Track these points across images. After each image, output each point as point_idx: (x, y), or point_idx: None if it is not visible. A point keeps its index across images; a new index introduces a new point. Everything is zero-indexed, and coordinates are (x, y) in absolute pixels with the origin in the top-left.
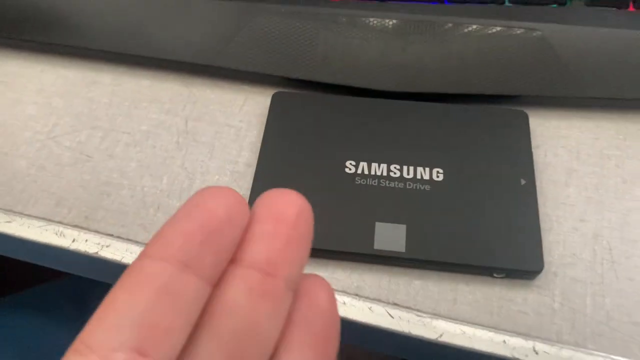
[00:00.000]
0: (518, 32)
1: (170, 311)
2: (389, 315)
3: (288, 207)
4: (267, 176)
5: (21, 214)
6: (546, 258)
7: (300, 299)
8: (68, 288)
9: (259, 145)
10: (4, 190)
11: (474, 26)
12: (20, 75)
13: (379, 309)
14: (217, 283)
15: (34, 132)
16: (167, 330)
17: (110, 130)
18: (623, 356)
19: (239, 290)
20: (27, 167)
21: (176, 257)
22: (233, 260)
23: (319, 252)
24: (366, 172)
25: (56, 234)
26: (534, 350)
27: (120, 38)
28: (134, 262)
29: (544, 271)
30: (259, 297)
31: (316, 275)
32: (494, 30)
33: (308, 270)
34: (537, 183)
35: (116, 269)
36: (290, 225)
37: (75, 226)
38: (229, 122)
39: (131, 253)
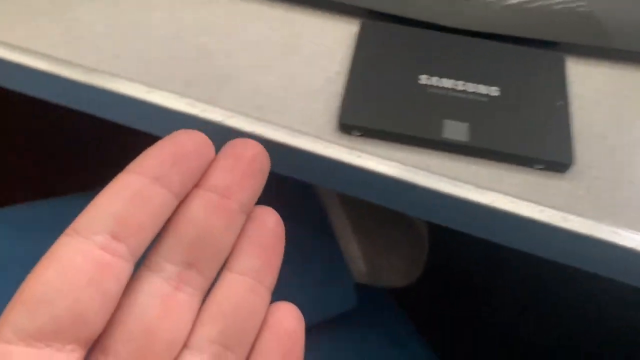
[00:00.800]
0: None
1: (142, 211)
2: (451, 185)
3: (247, 149)
4: (360, 75)
5: (159, 87)
6: (576, 159)
7: (252, 221)
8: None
9: (347, 59)
10: (141, 70)
11: None
12: None
13: (444, 180)
14: (183, 200)
15: (163, 30)
16: (138, 225)
17: (226, 37)
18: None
19: (198, 205)
20: (156, 58)
21: (150, 172)
22: (198, 185)
23: (398, 137)
24: (437, 84)
25: (188, 105)
26: (565, 219)
27: None
28: (117, 176)
29: (574, 168)
30: (214, 212)
31: (266, 206)
32: None
33: (390, 152)
34: (571, 108)
35: (239, 135)
36: (246, 163)
37: (204, 101)
38: (322, 43)
39: (251, 124)
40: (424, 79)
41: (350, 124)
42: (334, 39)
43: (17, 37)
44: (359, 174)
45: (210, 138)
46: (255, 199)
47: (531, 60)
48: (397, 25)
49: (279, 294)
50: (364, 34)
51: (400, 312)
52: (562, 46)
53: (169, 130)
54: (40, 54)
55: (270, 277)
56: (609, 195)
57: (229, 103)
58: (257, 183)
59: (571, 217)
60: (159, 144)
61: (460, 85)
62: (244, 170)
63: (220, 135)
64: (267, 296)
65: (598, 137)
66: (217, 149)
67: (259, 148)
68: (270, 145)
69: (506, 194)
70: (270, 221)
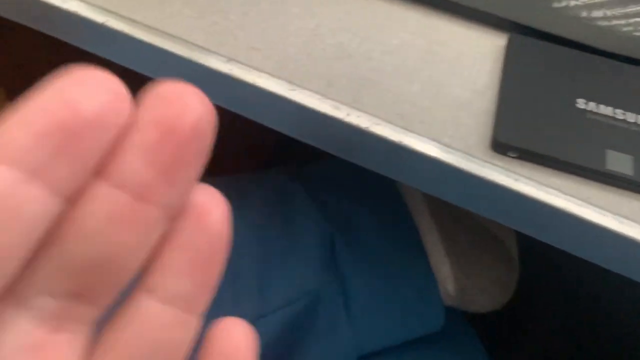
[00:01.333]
0: None
1: (6, 228)
2: (617, 222)
3: (185, 112)
4: (513, 89)
5: (300, 86)
6: None
7: (187, 218)
8: (233, 185)
9: (495, 73)
10: (281, 67)
11: None
12: None
13: (608, 215)
14: (76, 198)
15: (299, 27)
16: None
17: (369, 40)
18: None
19: (99, 214)
20: (295, 54)
21: (22, 162)
22: (101, 172)
23: (557, 163)
24: (595, 110)
25: (332, 107)
26: None
27: None
28: None
29: None
30: (121, 223)
31: (209, 189)
32: None
33: (547, 178)
34: None
35: (385, 147)
36: (182, 139)
37: (347, 104)
38: (467, 52)
39: (395, 132)
40: (581, 104)
41: (507, 143)
42: (479, 50)
43: (153, 18)
44: (515, 198)
45: (350, 145)
46: (191, 191)
47: None
48: (547, 43)
49: (370, 308)
50: (512, 48)
51: (478, 341)
52: None
53: (308, 133)
54: (177, 37)
55: (204, 299)
56: None
57: (370, 109)
58: (194, 170)
59: None
60: (40, 102)
61: (619, 114)
62: (178, 152)
63: (362, 143)
64: (196, 325)
65: None
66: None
67: (202, 105)
68: (415, 157)
69: None
70: (212, 219)
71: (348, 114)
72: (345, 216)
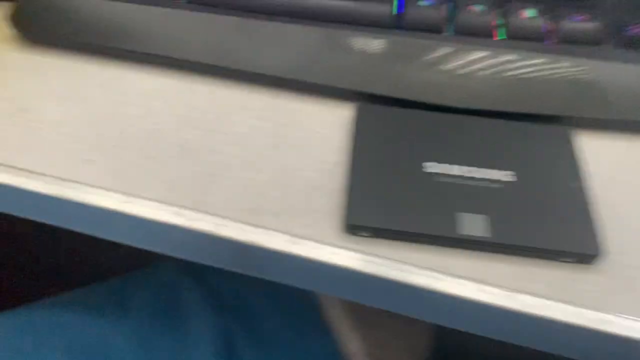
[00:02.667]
0: (564, 64)
1: None
2: (477, 290)
3: None
4: (363, 166)
5: (139, 195)
6: (604, 246)
7: None
8: (111, 289)
9: (344, 147)
10: (117, 176)
11: (523, 61)
12: (121, 79)
13: (468, 285)
14: None
15: (139, 128)
16: None
17: (211, 131)
18: None
19: None
20: (137, 158)
21: None
22: None
23: (410, 236)
24: (444, 171)
25: (173, 214)
26: (603, 321)
27: (215, 53)
28: None
29: (604, 257)
30: None
31: None
32: (540, 60)
33: (403, 253)
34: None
35: (233, 247)
36: None
37: (189, 208)
38: (316, 129)
39: (244, 232)
40: (429, 167)
41: (357, 224)
42: (329, 125)
43: None
44: (371, 280)
45: (200, 249)
46: None
47: (539, 138)
48: (395, 109)
49: None
50: (361, 118)
51: None
52: (567, 120)
53: (153, 243)
54: None
55: None
56: None
57: (218, 208)
58: None
59: (609, 317)
60: None
61: (469, 171)
62: None
63: (212, 245)
64: None
65: (623, 218)
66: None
67: None
68: (270, 254)
69: (535, 295)
70: None
71: (190, 219)
72: (243, 304)
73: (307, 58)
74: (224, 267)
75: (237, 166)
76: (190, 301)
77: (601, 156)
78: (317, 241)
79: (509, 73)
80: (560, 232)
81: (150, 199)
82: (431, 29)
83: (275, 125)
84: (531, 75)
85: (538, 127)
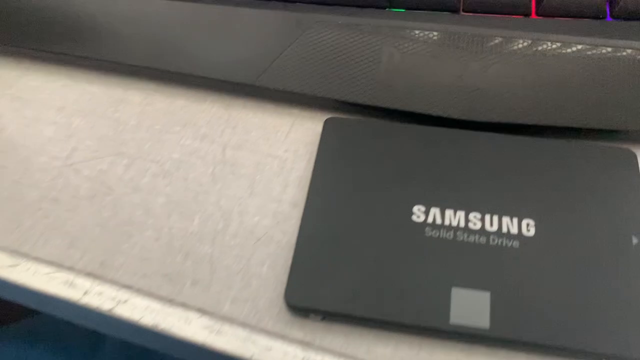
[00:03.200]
0: (623, 53)
1: None
2: None
3: None
4: (317, 221)
5: (28, 255)
6: None
7: None
8: (56, 322)
9: (307, 181)
10: (10, 227)
11: (572, 46)
12: (40, 91)
13: None
14: None
15: (50, 157)
16: None
17: (137, 157)
18: None
19: None
20: (39, 199)
21: None
22: None
23: (379, 323)
24: (438, 221)
25: (65, 284)
26: None
27: (153, 52)
28: None
29: None
30: None
31: None
32: (593, 52)
33: (366, 346)
34: None
35: (132, 328)
36: None
37: (89, 274)
38: (272, 152)
39: (151, 312)
40: (419, 214)
41: (303, 305)
42: (294, 145)
43: None
44: None
45: (98, 324)
46: None
47: (577, 163)
48: (376, 122)
49: None
50: (326, 138)
51: None
52: (624, 135)
53: (47, 308)
54: None
55: None
56: None
57: (126, 271)
58: None
59: None
60: None
61: (474, 220)
62: None
63: (110, 325)
64: None
65: None
66: None
67: None
68: (183, 345)
69: None
70: None
71: (86, 292)
72: None
73: (268, 54)
74: (136, 342)
75: (161, 210)
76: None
77: None
78: (247, 326)
79: (544, 66)
80: (604, 322)
81: (42, 261)
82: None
83: (222, 148)
84: (573, 70)
85: (585, 148)
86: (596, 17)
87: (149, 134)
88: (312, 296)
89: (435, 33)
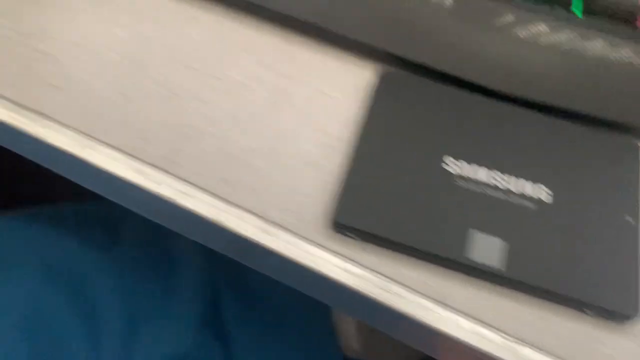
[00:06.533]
0: None
1: None
2: (474, 334)
3: None
4: (368, 157)
5: (99, 140)
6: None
7: None
8: (103, 212)
9: (354, 120)
10: (81, 112)
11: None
12: None
13: (463, 321)
14: None
15: (120, 54)
16: None
17: (203, 73)
18: None
19: None
20: (111, 94)
21: None
22: None
23: (407, 249)
24: (467, 174)
25: (135, 171)
26: None
27: None
28: None
29: (636, 320)
30: None
31: None
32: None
33: (394, 267)
34: None
35: (193, 219)
36: None
37: (153, 165)
38: (326, 91)
39: (210, 206)
40: (450, 164)
41: (345, 223)
42: (343, 88)
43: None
44: (347, 292)
45: (161, 214)
46: None
47: (598, 149)
48: (428, 81)
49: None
50: (382, 88)
51: None
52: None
53: (113, 195)
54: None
55: None
56: None
57: (187, 170)
58: None
59: None
60: None
61: (498, 178)
62: None
63: (172, 214)
64: None
65: None
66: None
67: None
68: (235, 238)
69: (542, 349)
70: None
71: (150, 180)
72: (236, 268)
73: (334, 0)
74: (187, 236)
75: (221, 122)
76: (182, 246)
77: None
78: (293, 233)
79: (585, 59)
80: (593, 279)
81: (112, 147)
82: None
83: (279, 78)
84: (613, 67)
85: (601, 136)
86: None
87: (215, 54)
88: (358, 218)
89: (503, 16)
